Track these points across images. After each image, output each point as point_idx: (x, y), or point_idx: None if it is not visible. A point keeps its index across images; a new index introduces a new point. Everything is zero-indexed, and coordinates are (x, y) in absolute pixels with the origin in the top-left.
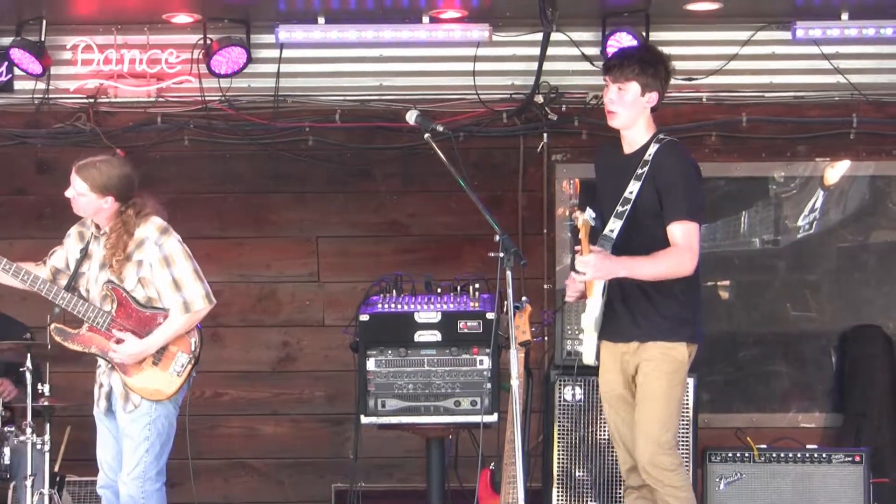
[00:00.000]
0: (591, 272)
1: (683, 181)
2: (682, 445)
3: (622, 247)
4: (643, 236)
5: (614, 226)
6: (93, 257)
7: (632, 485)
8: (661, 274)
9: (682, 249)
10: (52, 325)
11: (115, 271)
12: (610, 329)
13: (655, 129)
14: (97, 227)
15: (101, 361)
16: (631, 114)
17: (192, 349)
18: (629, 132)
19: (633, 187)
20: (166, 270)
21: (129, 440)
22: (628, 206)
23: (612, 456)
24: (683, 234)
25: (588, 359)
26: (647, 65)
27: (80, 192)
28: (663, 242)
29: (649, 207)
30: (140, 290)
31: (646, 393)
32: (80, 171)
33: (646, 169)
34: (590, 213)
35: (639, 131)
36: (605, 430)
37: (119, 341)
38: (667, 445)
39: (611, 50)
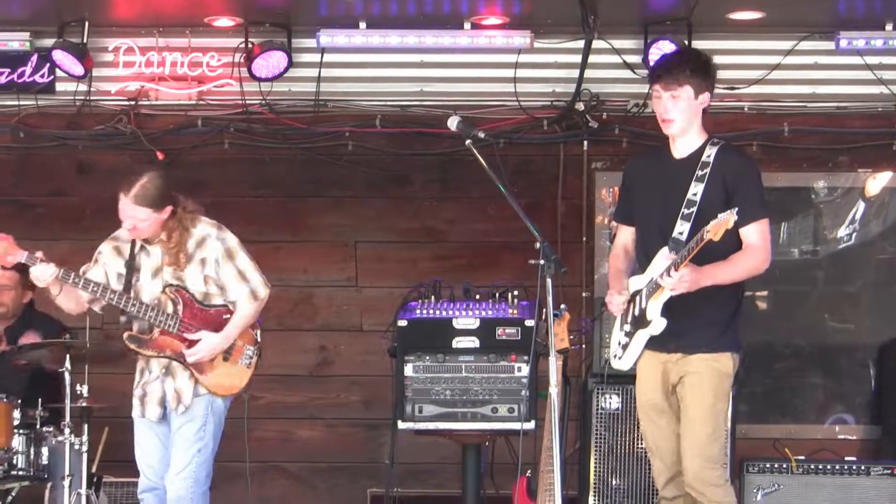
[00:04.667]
0: (684, 287)
1: (751, 182)
2: None
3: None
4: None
5: (682, 228)
6: (142, 268)
7: (666, 496)
8: (740, 277)
9: (758, 249)
10: (126, 335)
11: (176, 272)
12: (653, 338)
13: (706, 133)
14: (145, 239)
15: (152, 368)
16: (688, 117)
17: (257, 340)
18: (683, 137)
19: (697, 189)
20: (231, 264)
21: (182, 439)
22: (694, 208)
23: (649, 465)
24: (759, 234)
25: (626, 364)
26: (696, 65)
27: (141, 219)
28: (730, 240)
29: (716, 207)
30: (201, 289)
31: (692, 406)
32: (135, 199)
33: (707, 171)
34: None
35: (693, 135)
36: (641, 439)
37: (192, 343)
38: (714, 459)
39: (653, 58)
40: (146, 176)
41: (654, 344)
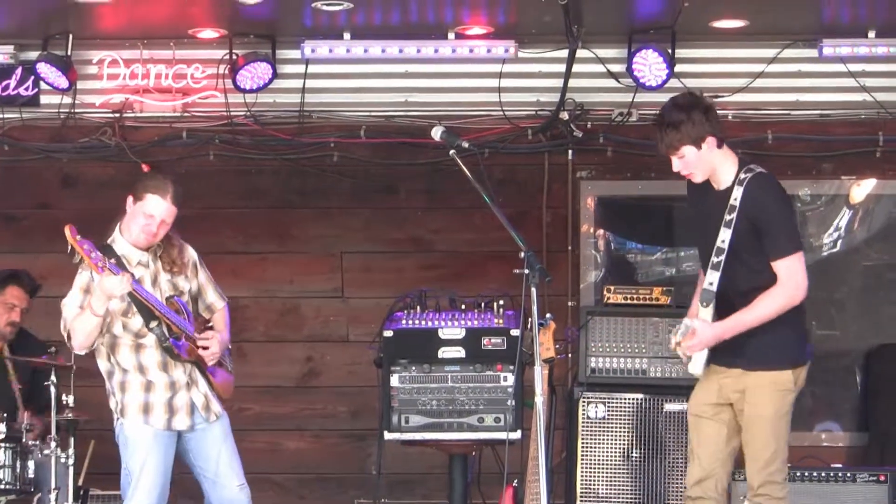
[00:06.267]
0: (700, 345)
1: (777, 218)
2: None
3: (729, 290)
4: (745, 273)
5: (713, 278)
6: (144, 280)
7: (691, 495)
8: (769, 316)
9: (785, 287)
10: (164, 344)
11: (173, 278)
12: (713, 350)
13: (737, 161)
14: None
15: (175, 379)
16: (704, 166)
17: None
18: (714, 174)
19: (724, 235)
20: (204, 269)
21: (228, 447)
22: (722, 257)
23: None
24: (787, 271)
25: (696, 369)
26: (682, 124)
27: (171, 222)
28: (767, 273)
29: (746, 246)
30: (193, 292)
31: (752, 425)
32: (174, 200)
33: (734, 215)
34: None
35: (722, 171)
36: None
37: (205, 347)
38: (777, 473)
39: (637, 67)
40: (168, 178)
41: (715, 357)
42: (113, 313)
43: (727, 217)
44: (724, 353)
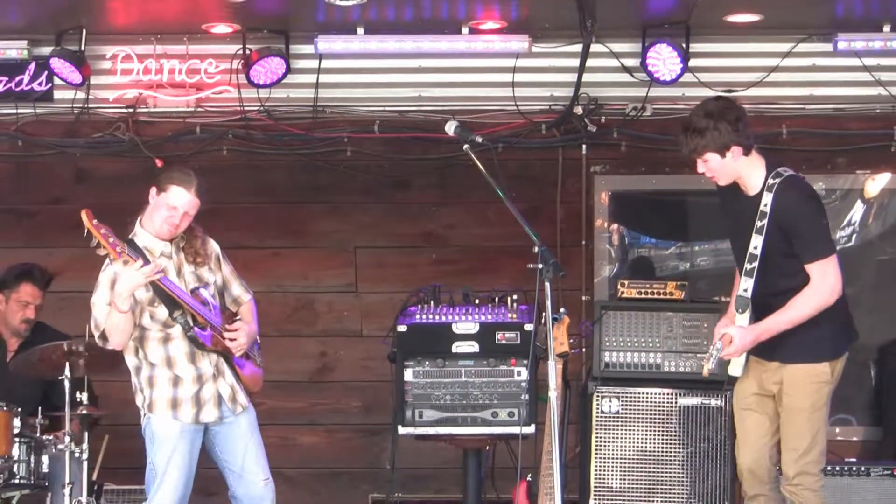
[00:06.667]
0: (739, 350)
1: (807, 223)
2: None
3: (762, 296)
4: (780, 277)
5: (747, 285)
6: (168, 272)
7: (747, 491)
8: (803, 318)
9: (817, 289)
10: (189, 333)
11: (197, 270)
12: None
13: (765, 165)
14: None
15: (202, 371)
16: (729, 172)
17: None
18: (741, 180)
19: (757, 242)
20: (227, 262)
21: (255, 441)
22: (756, 263)
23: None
24: (819, 274)
25: (735, 370)
26: (707, 131)
27: (194, 214)
28: (801, 274)
29: (779, 251)
30: (217, 284)
31: (789, 417)
32: (197, 192)
33: (765, 221)
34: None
35: (750, 176)
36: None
37: (233, 339)
38: (812, 464)
39: (651, 62)
40: (192, 171)
41: (756, 351)
42: (140, 303)
43: (758, 224)
44: (764, 348)
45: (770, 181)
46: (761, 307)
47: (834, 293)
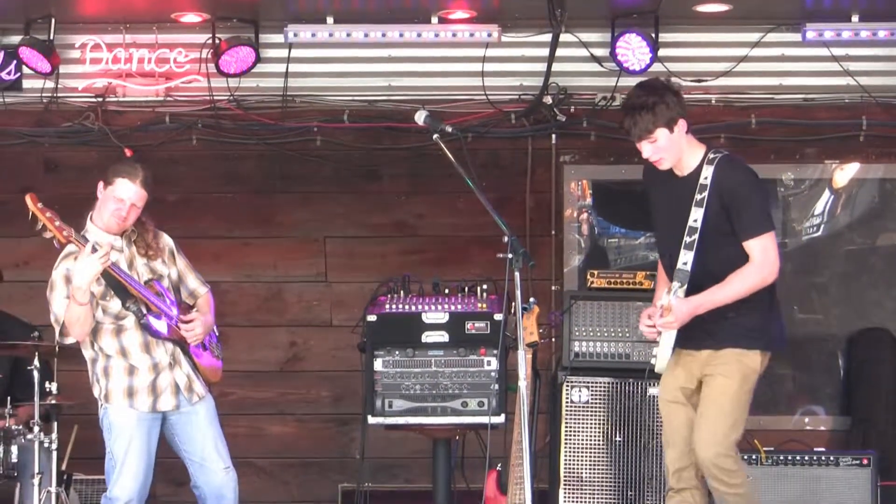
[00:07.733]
0: (678, 323)
1: (749, 196)
2: None
3: (700, 273)
4: (718, 255)
5: (686, 258)
6: (120, 264)
7: (674, 486)
8: (741, 294)
9: (757, 265)
10: (142, 321)
11: (150, 263)
12: (682, 335)
13: (703, 146)
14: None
15: (157, 360)
16: (675, 150)
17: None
18: (679, 161)
19: (697, 215)
20: (182, 255)
21: (214, 430)
22: (696, 236)
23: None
24: (760, 250)
25: (661, 365)
26: (657, 105)
27: (141, 206)
28: (739, 256)
29: (718, 228)
30: (172, 277)
31: (714, 396)
32: (143, 184)
33: (705, 194)
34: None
35: (687, 156)
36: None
37: (189, 329)
38: (731, 448)
39: (620, 52)
40: (138, 163)
41: (684, 341)
42: (94, 297)
43: (698, 196)
44: (694, 337)
45: (710, 156)
46: (696, 290)
47: (774, 270)
